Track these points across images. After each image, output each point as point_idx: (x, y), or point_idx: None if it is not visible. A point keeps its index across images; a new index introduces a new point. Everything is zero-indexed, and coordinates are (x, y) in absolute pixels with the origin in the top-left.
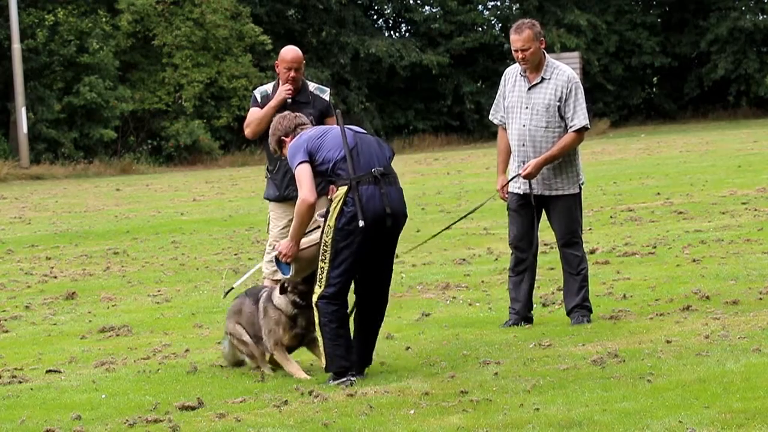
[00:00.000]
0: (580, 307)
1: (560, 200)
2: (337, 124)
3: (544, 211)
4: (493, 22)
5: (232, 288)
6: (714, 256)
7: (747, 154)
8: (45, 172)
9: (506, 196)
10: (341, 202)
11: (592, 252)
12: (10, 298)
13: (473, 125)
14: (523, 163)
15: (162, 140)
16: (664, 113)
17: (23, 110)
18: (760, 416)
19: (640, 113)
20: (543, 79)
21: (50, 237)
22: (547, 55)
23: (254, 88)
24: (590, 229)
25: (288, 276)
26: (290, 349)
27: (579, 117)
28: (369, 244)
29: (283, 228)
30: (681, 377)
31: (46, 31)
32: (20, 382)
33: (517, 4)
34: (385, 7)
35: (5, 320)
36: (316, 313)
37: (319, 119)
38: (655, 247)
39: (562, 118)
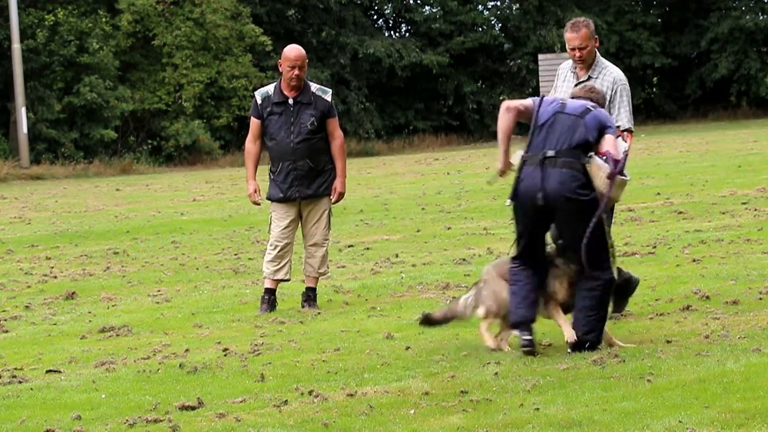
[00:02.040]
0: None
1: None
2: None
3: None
4: (493, 22)
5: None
6: (714, 256)
7: (747, 154)
8: (45, 172)
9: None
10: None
11: None
12: (10, 298)
13: (474, 125)
14: None
15: (162, 140)
16: (664, 113)
17: (23, 110)
18: (760, 416)
19: (641, 113)
20: (590, 77)
21: (50, 237)
22: (598, 54)
23: (254, 89)
24: None
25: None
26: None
27: (622, 118)
28: (530, 220)
29: (284, 228)
30: (681, 377)
31: (46, 31)
32: (20, 382)
33: (517, 4)
34: (385, 7)
35: (5, 320)
36: None
37: (321, 120)
38: (655, 247)
39: None
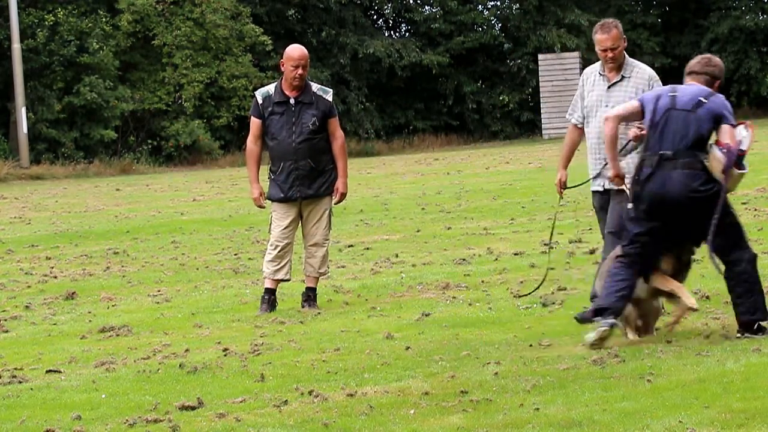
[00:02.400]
0: None
1: (620, 193)
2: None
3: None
4: (493, 21)
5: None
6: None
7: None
8: (45, 172)
9: (562, 191)
10: (633, 174)
11: (592, 252)
12: (10, 298)
13: (473, 125)
14: (605, 161)
15: (162, 140)
16: None
17: (23, 110)
18: (760, 416)
19: None
20: (623, 77)
21: (50, 237)
22: (626, 53)
23: (255, 89)
24: (590, 228)
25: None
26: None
27: None
28: (654, 220)
29: (284, 228)
30: (681, 377)
31: (46, 31)
32: (20, 382)
33: (517, 4)
34: (385, 7)
35: (5, 320)
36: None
37: (322, 120)
38: None
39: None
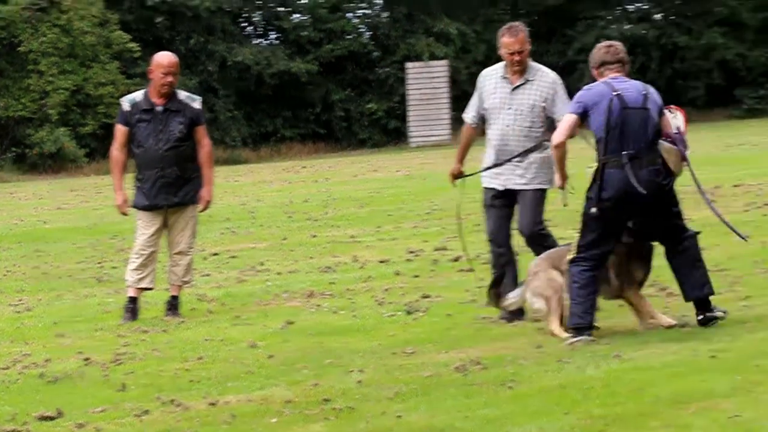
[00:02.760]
0: None
1: (530, 192)
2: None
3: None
4: (362, 30)
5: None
6: None
7: None
8: None
9: (455, 180)
10: (592, 180)
11: (457, 260)
12: None
13: (341, 133)
14: (507, 162)
15: (26, 148)
16: None
17: None
18: (619, 422)
19: None
20: (527, 80)
21: None
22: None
23: (121, 96)
24: (455, 236)
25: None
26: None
27: (565, 111)
28: (618, 222)
29: (149, 236)
30: (542, 384)
31: None
32: None
33: (387, 13)
34: (254, 14)
35: None
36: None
37: (190, 128)
38: (518, 255)
39: (546, 118)
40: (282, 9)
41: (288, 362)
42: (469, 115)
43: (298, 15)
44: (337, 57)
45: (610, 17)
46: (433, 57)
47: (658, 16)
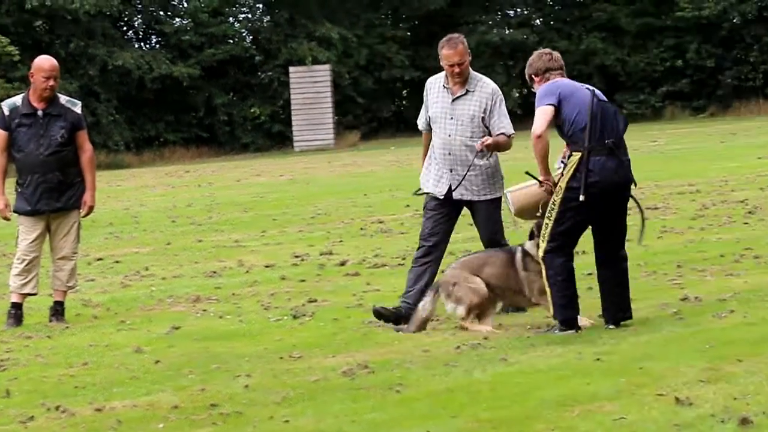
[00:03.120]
0: None
1: (484, 204)
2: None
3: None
4: (244, 34)
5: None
6: None
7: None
8: None
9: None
10: (574, 168)
11: (343, 264)
12: None
13: (224, 137)
14: (450, 171)
15: None
16: (413, 126)
17: None
18: (505, 425)
19: (390, 126)
20: (468, 91)
21: None
22: (470, 68)
23: (0, 101)
24: (341, 240)
25: (511, 209)
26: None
27: (506, 126)
28: (596, 210)
29: (32, 242)
30: (429, 387)
31: None
32: None
33: (268, 17)
34: (135, 18)
35: None
36: (543, 267)
37: (71, 132)
38: (404, 258)
39: (487, 128)
40: (163, 13)
41: (174, 367)
42: (420, 122)
43: (179, 19)
44: (219, 61)
45: (491, 22)
46: (316, 61)
47: (538, 22)
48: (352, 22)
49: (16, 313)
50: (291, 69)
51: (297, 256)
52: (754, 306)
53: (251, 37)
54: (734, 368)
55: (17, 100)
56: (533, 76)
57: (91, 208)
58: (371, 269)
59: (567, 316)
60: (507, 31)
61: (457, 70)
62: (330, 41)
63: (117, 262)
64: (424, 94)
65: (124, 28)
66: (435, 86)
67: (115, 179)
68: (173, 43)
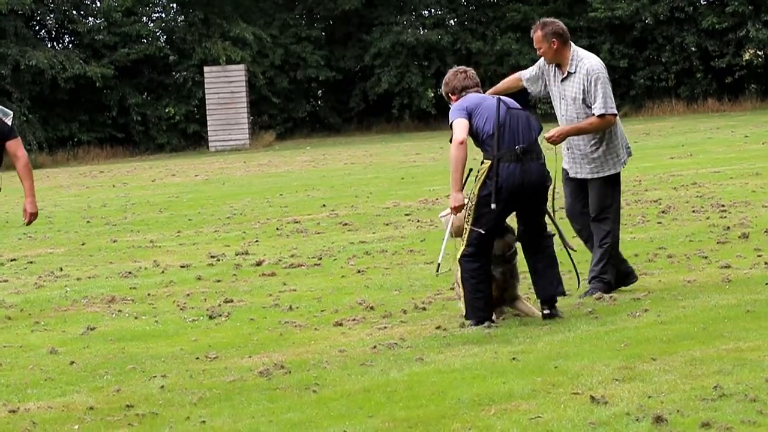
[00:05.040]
0: (597, 279)
1: (597, 180)
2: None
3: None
4: (158, 33)
5: (439, 264)
6: (378, 267)
7: (410, 166)
8: None
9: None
10: (485, 175)
11: (259, 264)
12: None
13: (139, 137)
14: (567, 149)
15: None
16: (329, 126)
17: None
18: (422, 424)
19: (306, 126)
20: (569, 73)
21: None
22: (573, 47)
23: None
24: (257, 240)
25: (451, 234)
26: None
27: (597, 105)
28: (507, 212)
29: None
30: (346, 387)
31: None
32: None
33: (183, 16)
34: (48, 17)
35: None
36: (458, 270)
37: (1, 143)
38: (320, 259)
39: (589, 107)
40: (75, 12)
41: (89, 368)
42: (524, 72)
43: (92, 18)
44: (133, 61)
45: (405, 23)
46: (231, 61)
47: (452, 22)
48: (266, 22)
49: None
50: (205, 69)
51: (213, 257)
52: (667, 305)
53: (165, 36)
54: (648, 367)
55: None
56: (449, 94)
57: (32, 215)
58: (287, 269)
59: (479, 317)
60: (422, 32)
61: (539, 53)
62: (244, 41)
63: (31, 262)
64: (540, 64)
65: (37, 27)
66: (552, 66)
67: None
68: (86, 42)
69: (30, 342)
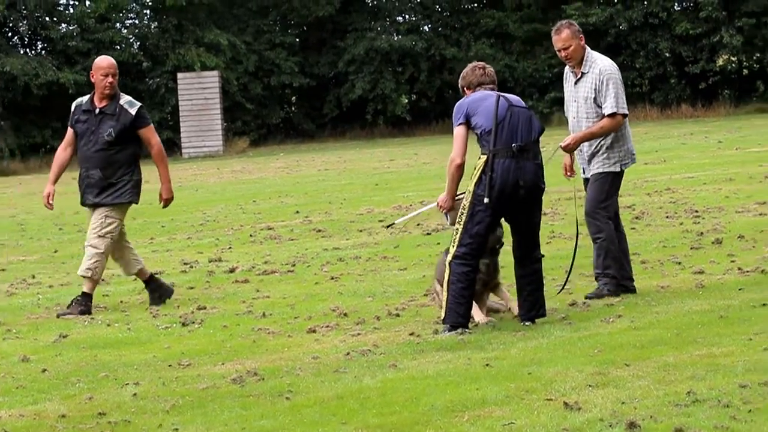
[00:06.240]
0: (602, 275)
1: (596, 176)
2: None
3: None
4: (131, 40)
5: (393, 224)
6: (352, 274)
7: (383, 172)
8: None
9: (567, 174)
10: (480, 171)
11: (232, 271)
12: None
13: None
14: (581, 152)
15: None
16: (303, 132)
17: None
18: (395, 431)
19: (280, 132)
20: (583, 73)
21: None
22: (588, 49)
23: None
24: (230, 247)
25: (448, 223)
26: (478, 294)
27: (608, 104)
28: (501, 210)
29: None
30: (319, 394)
31: None
32: None
33: (156, 23)
34: (20, 24)
35: None
36: (446, 272)
37: (122, 132)
38: (294, 265)
39: (600, 107)
40: (48, 19)
41: (61, 376)
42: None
43: (65, 25)
44: None
45: (379, 28)
46: (205, 67)
47: (426, 28)
48: (240, 28)
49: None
50: (179, 75)
51: (186, 264)
52: (641, 311)
53: (139, 43)
54: (622, 373)
55: (84, 98)
56: (465, 88)
57: (167, 200)
58: (261, 276)
59: (457, 322)
60: (396, 38)
61: (563, 54)
62: (218, 47)
63: (2, 270)
64: (564, 81)
65: (9, 34)
66: (567, 71)
67: (0, 186)
68: (59, 49)
69: (1, 350)
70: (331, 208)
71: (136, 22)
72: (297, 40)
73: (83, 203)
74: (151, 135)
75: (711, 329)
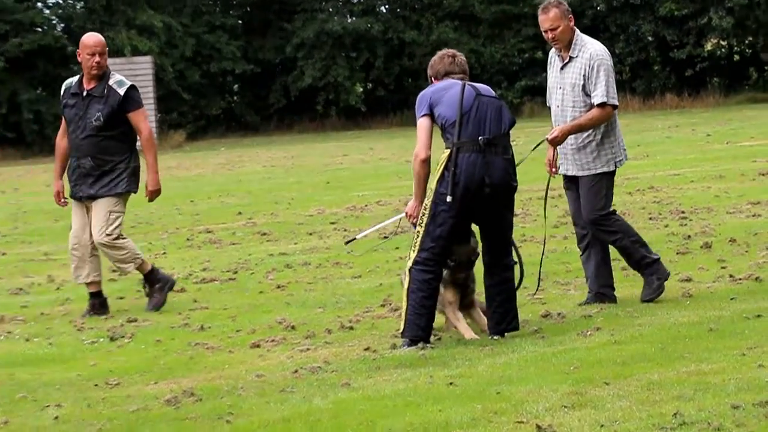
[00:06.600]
0: (644, 267)
1: (586, 178)
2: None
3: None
4: (54, 22)
5: (355, 239)
6: (300, 282)
7: (336, 169)
8: None
9: (552, 171)
10: (443, 166)
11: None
12: None
13: (32, 137)
14: (563, 146)
15: None
16: (246, 124)
17: None
18: None
19: (220, 124)
20: (571, 58)
21: None
22: (577, 32)
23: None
24: (164, 252)
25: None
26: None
27: (597, 93)
28: (467, 211)
29: (75, 229)
30: (264, 416)
31: None
32: None
33: (82, 2)
34: None
35: None
36: (406, 280)
37: (111, 116)
38: (236, 273)
39: (588, 96)
40: None
41: None
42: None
43: None
44: (26, 52)
45: (331, 9)
46: (137, 52)
47: (383, 9)
48: (176, 8)
49: (93, 303)
50: (108, 60)
51: (114, 271)
52: (621, 323)
53: (63, 25)
54: (601, 392)
55: (74, 79)
56: (433, 78)
57: (153, 193)
58: (199, 284)
59: (417, 335)
60: (349, 20)
61: (550, 35)
62: (152, 30)
63: None
64: (548, 65)
65: None
66: (552, 56)
67: None
68: None
69: None
70: (278, 209)
71: (60, 1)
72: (239, 21)
73: (74, 196)
74: (140, 120)
75: (699, 343)
